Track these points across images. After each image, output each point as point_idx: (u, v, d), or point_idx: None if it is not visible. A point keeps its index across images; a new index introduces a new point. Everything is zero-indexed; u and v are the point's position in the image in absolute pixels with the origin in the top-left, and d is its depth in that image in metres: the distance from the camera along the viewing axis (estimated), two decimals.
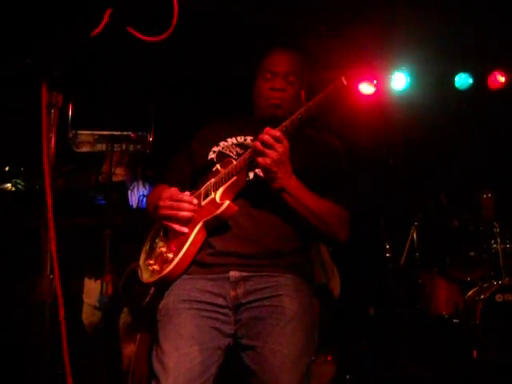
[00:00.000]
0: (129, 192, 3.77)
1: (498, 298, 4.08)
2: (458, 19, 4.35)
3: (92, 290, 3.49)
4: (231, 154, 2.10)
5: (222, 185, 1.97)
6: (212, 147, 2.16)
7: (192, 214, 1.97)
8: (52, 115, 1.40)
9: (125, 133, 3.40)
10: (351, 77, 1.86)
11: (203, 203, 1.98)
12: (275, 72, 2.18)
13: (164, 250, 2.00)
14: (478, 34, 4.52)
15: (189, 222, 1.97)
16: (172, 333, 1.90)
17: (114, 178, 3.56)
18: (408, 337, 4.37)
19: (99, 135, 3.45)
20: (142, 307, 2.48)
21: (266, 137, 1.88)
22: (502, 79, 5.15)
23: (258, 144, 1.89)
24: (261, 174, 1.97)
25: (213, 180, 2.02)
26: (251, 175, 2.03)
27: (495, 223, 4.35)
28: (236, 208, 1.94)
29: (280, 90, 2.15)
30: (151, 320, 2.03)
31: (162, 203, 2.01)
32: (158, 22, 1.75)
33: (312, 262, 2.17)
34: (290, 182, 1.93)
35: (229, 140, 2.17)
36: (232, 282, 1.94)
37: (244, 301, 1.93)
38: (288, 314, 1.90)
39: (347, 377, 3.42)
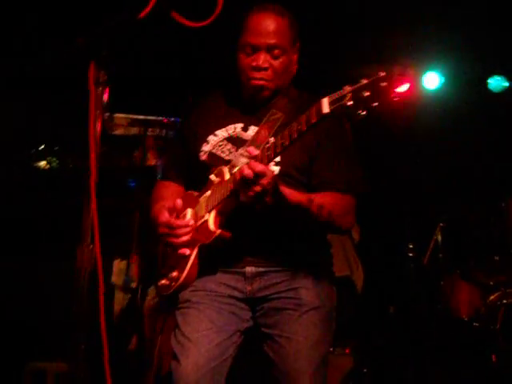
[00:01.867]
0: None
1: None
2: (494, 20, 4.31)
3: (121, 270, 3.57)
4: (223, 155, 2.01)
5: (214, 206, 1.90)
6: (202, 145, 2.05)
7: (189, 236, 1.92)
8: (99, 93, 1.45)
9: (158, 118, 3.45)
10: (335, 102, 1.58)
11: (199, 223, 1.95)
12: (256, 46, 1.93)
13: (171, 264, 2.01)
14: None
15: (189, 243, 1.95)
16: (191, 317, 1.96)
17: (147, 163, 3.62)
18: (426, 338, 4.35)
19: (133, 119, 3.51)
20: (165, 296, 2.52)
21: (247, 172, 1.67)
22: None
23: (239, 177, 1.72)
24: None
25: (208, 193, 1.96)
26: (241, 198, 1.89)
27: None
28: (228, 235, 1.88)
29: (263, 68, 1.94)
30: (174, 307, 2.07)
31: (160, 230, 1.96)
32: (201, 7, 1.75)
33: (329, 249, 2.15)
34: (279, 200, 1.77)
35: (218, 133, 2.05)
36: (248, 278, 1.97)
37: (260, 295, 1.97)
38: (305, 304, 1.94)
39: (364, 370, 3.44)
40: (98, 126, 1.55)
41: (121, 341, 3.30)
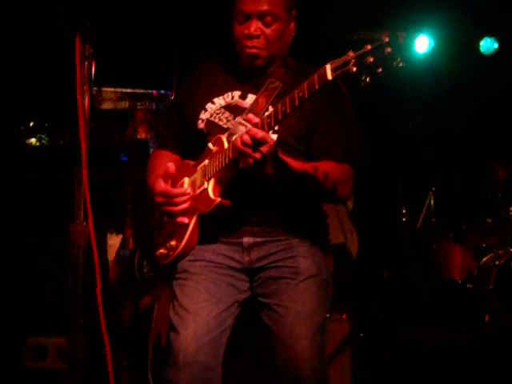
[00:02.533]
0: (151, 150, 3.81)
1: None
2: None
3: (112, 246, 3.57)
4: (221, 123, 2.00)
5: (213, 175, 1.89)
6: (199, 113, 2.03)
7: (188, 204, 1.91)
8: (86, 67, 1.42)
9: (147, 91, 3.42)
10: (338, 69, 1.56)
11: (198, 191, 1.94)
12: (247, 13, 1.91)
13: (169, 232, 2.00)
14: None
15: (187, 210, 1.94)
16: (189, 288, 1.96)
17: (137, 136, 3.60)
18: (421, 300, 4.42)
19: (121, 93, 3.47)
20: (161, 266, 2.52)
21: (246, 138, 1.68)
22: None
23: (240, 144, 1.71)
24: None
25: (206, 162, 1.94)
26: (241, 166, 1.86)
27: None
28: (228, 203, 1.87)
29: (254, 36, 1.92)
30: (171, 277, 2.07)
31: (157, 199, 1.94)
32: None
33: (325, 218, 2.15)
34: (277, 170, 1.76)
35: (216, 101, 2.03)
36: (246, 248, 1.97)
37: (258, 265, 1.98)
38: (302, 272, 1.94)
39: (361, 335, 3.49)
40: (87, 102, 1.52)
41: (118, 314, 3.33)
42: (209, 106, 2.03)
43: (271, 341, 1.94)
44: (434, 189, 4.71)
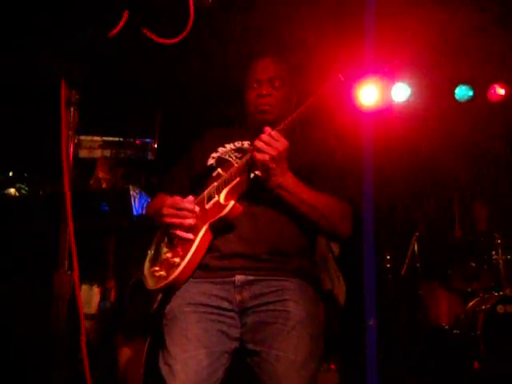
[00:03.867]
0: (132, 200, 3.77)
1: (500, 309, 4.06)
2: (458, 31, 4.40)
3: (89, 297, 3.47)
4: (231, 159, 2.13)
5: (225, 187, 1.99)
6: (211, 154, 2.19)
7: (195, 220, 1.98)
8: (72, 113, 1.40)
9: (129, 139, 3.41)
10: (349, 73, 1.90)
11: (207, 207, 2.00)
12: (260, 80, 2.25)
13: (170, 255, 1.99)
14: (478, 46, 4.57)
15: (193, 228, 1.97)
16: (179, 336, 1.90)
17: (101, 185, 3.58)
18: (408, 347, 4.36)
19: (103, 141, 3.46)
20: (149, 314, 2.47)
21: (265, 136, 1.93)
22: (501, 91, 5.18)
23: (257, 142, 1.93)
24: (260, 173, 1.99)
25: (215, 183, 2.03)
26: (252, 175, 2.05)
27: (495, 234, 4.35)
28: (241, 208, 1.95)
29: (266, 95, 2.22)
30: (158, 325, 2.02)
31: (165, 211, 2.01)
32: (173, 24, 1.76)
33: (317, 266, 2.17)
34: (286, 179, 1.95)
35: (227, 146, 2.21)
36: (237, 286, 1.94)
37: (249, 305, 1.94)
38: (293, 318, 1.90)
39: None
40: (71, 149, 1.50)
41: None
42: (220, 148, 2.21)
43: None
44: (417, 234, 4.72)
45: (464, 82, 5.16)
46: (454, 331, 4.34)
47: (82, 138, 3.56)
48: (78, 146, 3.50)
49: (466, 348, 4.12)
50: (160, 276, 1.98)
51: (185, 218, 1.98)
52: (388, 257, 4.77)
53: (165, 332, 1.94)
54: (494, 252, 4.35)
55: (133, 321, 3.17)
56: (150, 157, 3.46)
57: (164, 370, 1.87)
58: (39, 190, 3.55)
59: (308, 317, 1.93)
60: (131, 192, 3.88)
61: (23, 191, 3.57)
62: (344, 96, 2.01)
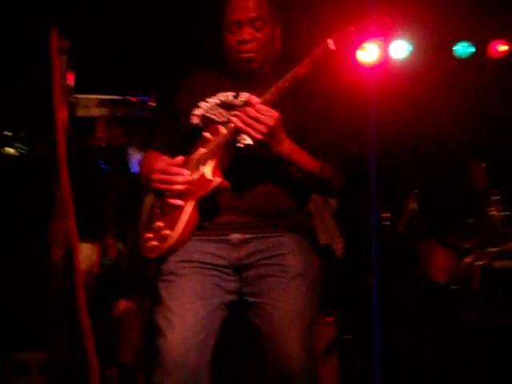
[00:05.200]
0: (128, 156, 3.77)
1: (496, 264, 4.11)
2: None
3: (87, 256, 3.50)
4: (216, 118, 2.03)
5: (211, 159, 1.92)
6: (193, 109, 2.06)
7: (185, 186, 1.93)
8: (62, 61, 1.39)
9: (126, 97, 3.39)
10: (340, 40, 1.74)
11: (195, 176, 1.94)
12: (239, 21, 2.02)
13: (161, 224, 1.97)
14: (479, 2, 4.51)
15: (183, 195, 1.94)
16: (176, 290, 1.92)
17: (114, 143, 3.57)
18: (406, 303, 4.42)
19: (100, 99, 3.43)
20: (147, 273, 2.49)
21: (251, 111, 1.79)
22: (503, 48, 5.12)
23: (245, 117, 1.80)
24: (250, 142, 1.91)
25: (202, 150, 1.96)
26: (241, 144, 1.97)
27: (494, 191, 4.37)
28: (228, 184, 1.90)
29: (248, 41, 2.02)
30: (155, 282, 2.04)
31: (154, 177, 1.97)
32: None
33: (313, 219, 2.16)
34: (282, 148, 1.86)
35: (209, 100, 2.07)
36: (233, 244, 1.95)
37: (246, 262, 1.95)
38: (291, 271, 1.92)
39: (348, 337, 3.47)
40: (65, 112, 1.49)
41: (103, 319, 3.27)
42: (202, 103, 2.06)
43: (260, 340, 1.91)
44: (414, 191, 4.74)
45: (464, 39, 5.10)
46: (451, 287, 4.40)
47: (79, 96, 3.53)
48: (75, 104, 3.48)
49: (463, 303, 4.18)
50: (153, 246, 1.97)
51: (174, 183, 1.93)
52: (387, 215, 4.80)
53: (161, 287, 1.96)
54: (491, 208, 4.37)
55: (132, 280, 3.21)
56: (148, 114, 3.45)
57: (161, 322, 1.88)
58: (38, 150, 3.56)
59: (305, 269, 1.95)
60: (129, 150, 3.88)
61: (22, 151, 3.57)
62: (338, 64, 1.93)
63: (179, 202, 1.93)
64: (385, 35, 1.79)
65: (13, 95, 3.71)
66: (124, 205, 3.22)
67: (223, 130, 1.93)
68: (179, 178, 1.93)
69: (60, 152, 1.33)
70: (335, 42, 1.73)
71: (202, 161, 1.94)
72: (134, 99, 3.43)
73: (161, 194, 1.99)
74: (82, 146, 3.68)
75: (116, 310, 3.15)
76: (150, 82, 3.38)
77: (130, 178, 3.43)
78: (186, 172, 1.94)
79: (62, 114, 1.39)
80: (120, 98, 3.41)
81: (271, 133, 1.79)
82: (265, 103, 1.81)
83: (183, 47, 3.79)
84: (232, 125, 1.88)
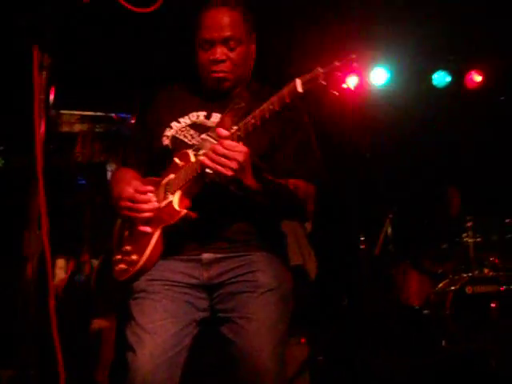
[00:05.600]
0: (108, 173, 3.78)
1: (468, 289, 4.17)
2: (437, 17, 4.45)
3: (59, 270, 3.48)
4: (186, 140, 2.02)
5: (179, 187, 1.91)
6: (164, 130, 2.05)
7: (152, 214, 1.92)
8: (43, 77, 1.41)
9: (107, 114, 3.41)
10: (308, 83, 1.64)
11: (163, 204, 1.93)
12: (211, 40, 1.97)
13: (129, 248, 1.98)
14: (456, 32, 4.63)
15: (151, 221, 1.93)
16: (147, 307, 1.92)
17: (93, 159, 3.58)
18: (379, 326, 4.45)
19: (82, 115, 3.45)
20: (118, 291, 2.47)
21: (219, 149, 1.73)
22: (478, 78, 5.25)
23: (213, 155, 1.74)
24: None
25: (171, 176, 1.95)
26: (208, 180, 1.91)
27: (468, 217, 4.45)
28: (194, 215, 1.89)
29: (220, 61, 1.98)
30: (126, 300, 2.04)
31: (122, 204, 1.94)
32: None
33: (284, 236, 2.16)
34: (248, 183, 1.81)
35: (181, 120, 2.05)
36: (204, 264, 1.96)
37: (217, 281, 1.96)
38: (262, 286, 1.93)
39: (320, 359, 3.49)
40: (43, 126, 1.51)
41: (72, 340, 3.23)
42: (174, 124, 2.05)
43: (232, 353, 1.91)
44: (390, 216, 4.80)
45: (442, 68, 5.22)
46: (424, 311, 4.45)
47: (62, 112, 3.55)
48: (57, 119, 3.50)
49: (436, 327, 4.23)
50: (122, 270, 1.97)
51: (141, 211, 1.91)
52: (362, 238, 4.85)
53: (132, 304, 1.96)
54: (464, 235, 4.45)
55: (102, 298, 3.19)
56: (128, 131, 3.47)
57: (132, 339, 1.88)
58: (15, 163, 3.55)
59: (277, 284, 1.96)
60: (108, 167, 3.89)
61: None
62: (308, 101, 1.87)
63: (147, 230, 1.91)
64: (362, 70, 1.65)
65: None
66: (101, 221, 3.22)
67: (192, 158, 1.91)
68: (146, 206, 1.91)
69: (37, 165, 1.34)
70: (303, 84, 1.64)
71: (171, 188, 1.93)
72: (114, 116, 3.45)
73: (130, 219, 1.99)
74: (63, 162, 3.68)
75: (91, 328, 3.13)
76: (131, 99, 3.41)
77: (108, 195, 3.43)
78: (153, 199, 1.93)
79: (41, 128, 1.41)
80: (101, 114, 3.43)
81: (241, 168, 1.75)
82: (232, 138, 1.75)
83: (164, 65, 3.83)
84: (201, 157, 1.82)
